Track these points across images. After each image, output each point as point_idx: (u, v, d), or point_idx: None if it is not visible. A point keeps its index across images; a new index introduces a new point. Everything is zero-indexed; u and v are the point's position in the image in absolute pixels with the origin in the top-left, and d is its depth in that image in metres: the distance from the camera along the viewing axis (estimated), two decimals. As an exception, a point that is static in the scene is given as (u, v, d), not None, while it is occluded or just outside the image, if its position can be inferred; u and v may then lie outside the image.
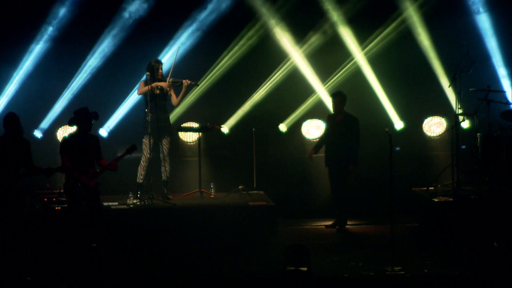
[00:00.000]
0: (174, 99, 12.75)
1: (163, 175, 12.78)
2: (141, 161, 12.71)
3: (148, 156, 12.66)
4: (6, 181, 9.72)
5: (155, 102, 12.53)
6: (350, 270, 9.67)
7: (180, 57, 13.61)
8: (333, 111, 12.65)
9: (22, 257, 9.75)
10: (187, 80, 12.65)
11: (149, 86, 12.46)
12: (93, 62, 14.30)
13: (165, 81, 12.59)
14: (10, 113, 9.94)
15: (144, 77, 12.66)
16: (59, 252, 10.58)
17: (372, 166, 13.97)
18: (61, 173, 10.45)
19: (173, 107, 13.32)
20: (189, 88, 12.90)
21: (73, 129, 10.70)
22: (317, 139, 13.95)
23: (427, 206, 12.42)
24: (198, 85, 13.13)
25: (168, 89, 12.63)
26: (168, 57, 14.11)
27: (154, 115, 12.49)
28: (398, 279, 9.23)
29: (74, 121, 10.53)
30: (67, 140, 10.52)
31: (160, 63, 12.68)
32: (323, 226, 12.88)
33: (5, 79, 14.21)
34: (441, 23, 14.34)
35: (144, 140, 12.63)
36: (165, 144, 12.67)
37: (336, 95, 12.61)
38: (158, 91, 12.54)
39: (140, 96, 12.72)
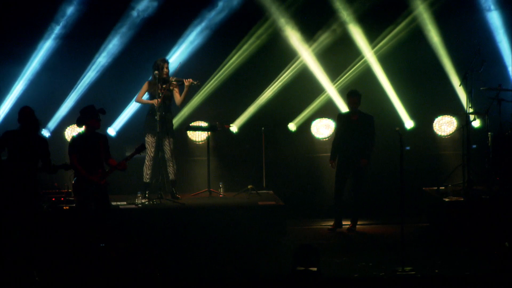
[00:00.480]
0: (177, 98, 12.70)
1: (170, 175, 12.73)
2: (145, 161, 12.67)
3: (152, 155, 12.61)
4: (20, 175, 9.69)
5: (163, 102, 12.48)
6: (360, 271, 9.62)
7: (188, 56, 13.57)
8: (349, 109, 12.49)
9: (30, 257, 9.73)
10: (188, 79, 12.60)
11: (156, 100, 12.37)
12: (101, 60, 14.27)
13: (168, 80, 12.52)
14: (24, 106, 9.93)
15: (150, 78, 12.63)
16: (67, 252, 10.55)
17: (382, 166, 13.90)
18: (65, 170, 10.38)
19: (177, 107, 13.25)
20: (191, 88, 12.82)
21: (81, 128, 10.65)
22: (330, 141, 13.78)
23: (438, 206, 12.37)
24: (199, 85, 13.08)
25: (173, 88, 12.59)
26: (176, 57, 14.07)
27: (162, 114, 12.43)
28: (408, 280, 9.17)
29: (82, 120, 10.46)
30: (75, 140, 10.47)
31: (166, 62, 12.62)
32: (327, 228, 12.74)
33: (12, 77, 14.20)
34: (451, 21, 14.26)
35: (147, 139, 12.57)
36: (169, 144, 12.61)
37: (353, 94, 12.41)
38: (163, 90, 12.50)
39: (146, 94, 12.65)
